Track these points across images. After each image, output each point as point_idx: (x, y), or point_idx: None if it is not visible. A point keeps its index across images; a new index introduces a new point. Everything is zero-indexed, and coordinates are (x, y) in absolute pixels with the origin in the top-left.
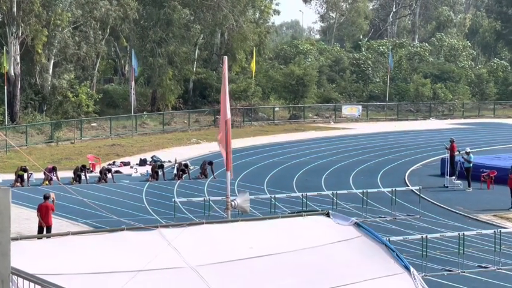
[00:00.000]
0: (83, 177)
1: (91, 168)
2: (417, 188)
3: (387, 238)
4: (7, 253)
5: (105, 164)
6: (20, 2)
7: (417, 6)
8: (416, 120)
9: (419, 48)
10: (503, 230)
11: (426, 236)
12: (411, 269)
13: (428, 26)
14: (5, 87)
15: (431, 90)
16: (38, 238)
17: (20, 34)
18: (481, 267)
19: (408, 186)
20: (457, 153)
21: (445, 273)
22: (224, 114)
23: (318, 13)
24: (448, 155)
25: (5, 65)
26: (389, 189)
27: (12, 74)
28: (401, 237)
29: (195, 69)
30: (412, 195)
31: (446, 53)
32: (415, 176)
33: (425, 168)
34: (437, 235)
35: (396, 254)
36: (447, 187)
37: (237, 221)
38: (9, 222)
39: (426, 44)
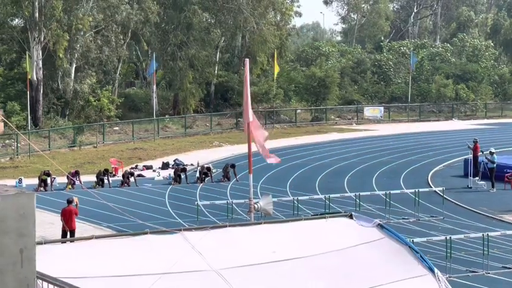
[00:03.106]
0: (105, 181)
1: (114, 172)
2: (441, 189)
3: (411, 239)
4: (33, 257)
5: (128, 168)
6: (41, 8)
7: (439, 7)
8: (438, 121)
9: (440, 49)
10: None
11: (450, 237)
12: (436, 270)
13: (449, 26)
14: (28, 92)
15: (453, 91)
16: (62, 242)
17: (42, 39)
18: (506, 268)
19: (431, 187)
20: (480, 153)
21: (470, 274)
22: (246, 116)
23: (339, 15)
24: (471, 155)
25: (28, 70)
26: (412, 191)
27: (35, 79)
28: (424, 239)
29: (216, 72)
30: (435, 196)
31: (468, 53)
32: (438, 177)
33: (448, 169)
34: (461, 236)
35: (420, 256)
36: (470, 188)
37: (260, 223)
38: (34, 227)
39: (448, 45)
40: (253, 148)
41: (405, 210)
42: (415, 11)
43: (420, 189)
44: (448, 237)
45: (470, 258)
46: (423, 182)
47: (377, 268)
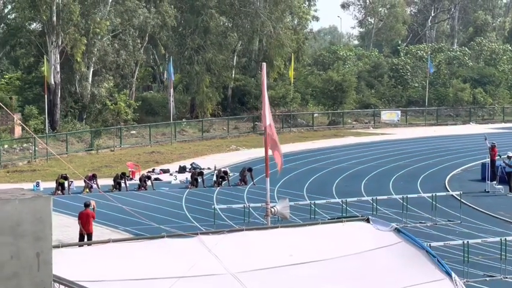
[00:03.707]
0: (123, 184)
1: (131, 176)
2: (458, 193)
3: (428, 244)
4: (49, 261)
5: (145, 172)
6: (59, 12)
7: (456, 11)
8: (455, 125)
9: (458, 53)
10: None
11: (468, 242)
12: (453, 274)
13: (467, 30)
14: (46, 96)
15: (470, 95)
16: (79, 246)
17: (59, 43)
18: None
19: (448, 191)
20: (497, 157)
21: (487, 278)
22: (264, 120)
23: (357, 19)
24: (489, 159)
25: (46, 73)
26: (429, 195)
27: (53, 82)
28: (441, 243)
29: (233, 76)
30: (453, 201)
31: (485, 57)
32: (455, 181)
33: (465, 173)
34: (479, 240)
35: (438, 260)
36: (488, 192)
37: (277, 227)
38: (50, 230)
39: (466, 49)
40: (270, 152)
41: (423, 214)
42: (432, 14)
43: (438, 193)
44: (465, 242)
45: (488, 262)
46: (440, 186)
47: (394, 272)
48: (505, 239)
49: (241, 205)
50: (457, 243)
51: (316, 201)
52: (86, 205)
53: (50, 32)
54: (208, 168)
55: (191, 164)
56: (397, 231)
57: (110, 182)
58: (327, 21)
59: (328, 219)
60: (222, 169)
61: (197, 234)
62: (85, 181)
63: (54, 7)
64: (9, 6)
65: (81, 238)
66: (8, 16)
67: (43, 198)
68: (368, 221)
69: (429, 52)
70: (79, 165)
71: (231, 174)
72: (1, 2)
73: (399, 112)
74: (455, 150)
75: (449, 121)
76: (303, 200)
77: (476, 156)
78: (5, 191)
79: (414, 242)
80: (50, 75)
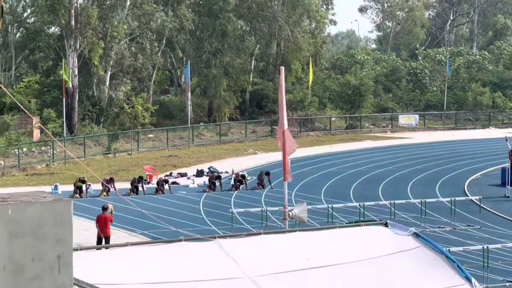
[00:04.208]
0: (140, 188)
1: (148, 180)
2: (478, 197)
3: (447, 249)
4: (70, 264)
5: (162, 175)
6: (77, 15)
7: (476, 14)
8: (474, 129)
9: (477, 57)
10: None
11: (487, 247)
12: (473, 280)
13: (486, 34)
14: (64, 99)
15: (490, 99)
16: (98, 249)
17: (77, 47)
18: None
19: (467, 196)
20: None
21: (507, 284)
22: (282, 124)
23: (374, 22)
24: (509, 164)
25: (65, 77)
26: (448, 199)
27: (71, 86)
28: (461, 248)
29: (251, 79)
30: (472, 205)
31: (505, 61)
32: (475, 186)
33: (485, 178)
34: (499, 245)
35: (457, 265)
36: (508, 197)
37: (295, 231)
38: (71, 234)
39: (485, 52)
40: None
41: (441, 219)
42: (451, 18)
43: (457, 198)
44: (485, 247)
45: (508, 267)
46: (459, 190)
47: (413, 277)
48: None
49: (259, 209)
50: (476, 249)
51: (334, 205)
52: (104, 208)
53: (69, 35)
54: (226, 172)
55: (209, 168)
56: (416, 235)
57: (127, 185)
58: (344, 25)
59: (346, 223)
60: (240, 173)
61: (215, 238)
62: (102, 184)
63: (73, 11)
64: (29, 10)
65: (99, 241)
66: (27, 20)
67: (64, 201)
68: (386, 225)
69: (448, 56)
70: (97, 169)
71: (248, 178)
72: (20, 6)
73: (417, 116)
74: (474, 155)
75: (468, 125)
76: (321, 203)
77: (495, 161)
78: (27, 194)
79: (433, 246)
80: (69, 78)
